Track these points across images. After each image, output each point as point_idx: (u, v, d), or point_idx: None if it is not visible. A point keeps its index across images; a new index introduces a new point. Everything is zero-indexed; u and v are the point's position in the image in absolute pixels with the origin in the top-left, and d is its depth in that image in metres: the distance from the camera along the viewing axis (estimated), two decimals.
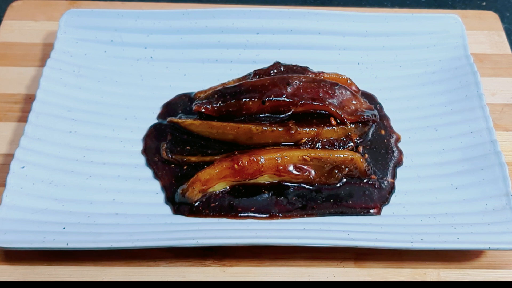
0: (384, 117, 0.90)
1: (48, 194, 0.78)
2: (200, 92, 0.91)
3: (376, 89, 0.94)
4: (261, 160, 0.78)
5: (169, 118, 0.88)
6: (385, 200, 0.80)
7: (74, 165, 0.82)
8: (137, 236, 0.72)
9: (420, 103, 0.92)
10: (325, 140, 0.82)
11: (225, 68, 0.96)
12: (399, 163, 0.85)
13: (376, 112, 0.86)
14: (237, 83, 0.85)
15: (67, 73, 0.91)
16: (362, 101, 0.86)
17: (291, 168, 0.79)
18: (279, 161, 0.78)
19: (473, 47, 1.02)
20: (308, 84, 0.83)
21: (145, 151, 0.85)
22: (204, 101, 0.85)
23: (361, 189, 0.80)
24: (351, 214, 0.78)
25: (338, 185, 0.81)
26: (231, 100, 0.83)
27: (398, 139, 0.88)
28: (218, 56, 0.97)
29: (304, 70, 0.89)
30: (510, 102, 0.96)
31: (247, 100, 0.82)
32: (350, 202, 0.79)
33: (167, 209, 0.79)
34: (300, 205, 0.79)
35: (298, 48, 0.98)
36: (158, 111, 0.91)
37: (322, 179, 0.80)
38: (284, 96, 0.82)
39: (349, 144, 0.83)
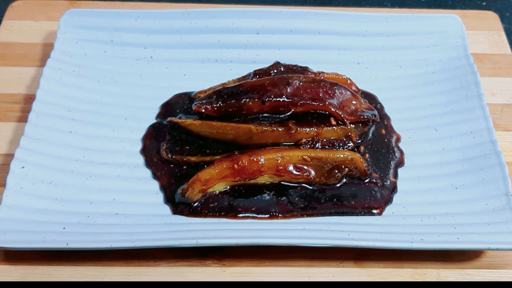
0: (384, 117, 0.90)
1: (48, 194, 0.78)
2: (200, 92, 0.91)
3: (376, 89, 0.94)
4: (261, 160, 0.78)
5: (169, 118, 0.88)
6: (388, 200, 0.80)
7: (74, 165, 0.82)
8: (137, 236, 0.72)
9: (420, 103, 0.92)
10: (325, 140, 0.82)
11: (225, 68, 0.96)
12: (400, 163, 0.85)
13: (376, 112, 0.86)
14: (237, 83, 0.85)
15: (67, 73, 0.91)
16: (362, 101, 0.86)
17: (291, 168, 0.79)
18: (279, 161, 0.78)
19: (473, 47, 1.02)
20: (308, 84, 0.83)
21: (144, 151, 0.85)
22: (204, 101, 0.85)
23: (363, 189, 0.80)
24: (353, 214, 0.78)
25: (338, 185, 0.81)
26: (231, 100, 0.83)
27: (398, 139, 0.88)
28: (218, 56, 0.97)
29: (304, 70, 0.89)
30: (510, 102, 0.96)
31: (247, 100, 0.82)
32: (353, 202, 0.79)
33: (167, 209, 0.79)
34: (300, 205, 0.78)
35: (298, 48, 0.98)
36: (158, 111, 0.91)
37: (322, 179, 0.80)
38: (284, 96, 0.82)
39: (349, 144, 0.83)
